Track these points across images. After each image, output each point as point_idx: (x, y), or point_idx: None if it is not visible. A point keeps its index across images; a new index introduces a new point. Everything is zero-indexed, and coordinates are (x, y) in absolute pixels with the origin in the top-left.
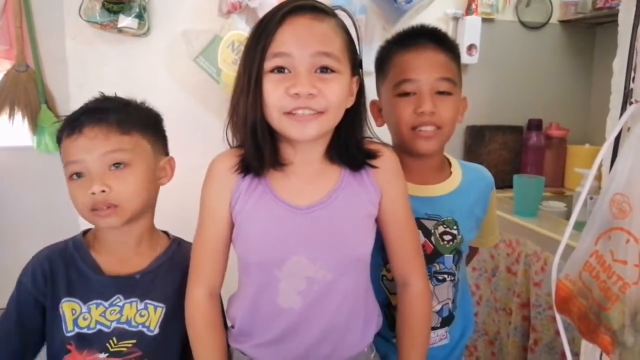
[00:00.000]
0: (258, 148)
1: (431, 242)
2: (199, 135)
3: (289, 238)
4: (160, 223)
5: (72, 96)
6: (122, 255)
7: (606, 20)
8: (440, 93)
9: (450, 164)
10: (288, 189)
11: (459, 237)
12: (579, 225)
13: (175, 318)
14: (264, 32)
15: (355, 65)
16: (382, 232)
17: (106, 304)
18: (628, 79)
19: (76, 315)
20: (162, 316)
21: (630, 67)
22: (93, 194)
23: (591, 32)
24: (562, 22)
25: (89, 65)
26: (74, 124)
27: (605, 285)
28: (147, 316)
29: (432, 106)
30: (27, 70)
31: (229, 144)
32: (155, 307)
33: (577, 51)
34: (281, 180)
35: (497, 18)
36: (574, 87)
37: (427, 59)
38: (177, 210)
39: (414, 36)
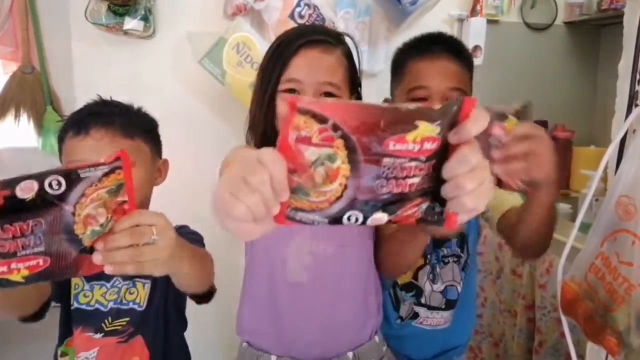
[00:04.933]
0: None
1: None
2: (204, 136)
3: None
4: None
5: (78, 98)
6: None
7: (611, 21)
8: None
9: None
10: None
11: None
12: (585, 227)
13: (157, 290)
14: (280, 58)
15: (355, 85)
16: None
17: (108, 285)
18: (633, 81)
19: (78, 290)
20: (148, 291)
21: (635, 69)
22: None
23: (596, 33)
24: (567, 23)
25: (94, 67)
26: (79, 125)
27: (611, 286)
28: (137, 293)
29: None
30: (33, 72)
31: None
32: (144, 284)
33: (582, 52)
34: None
35: (502, 19)
36: (579, 89)
37: (440, 68)
38: (183, 209)
39: (430, 43)
